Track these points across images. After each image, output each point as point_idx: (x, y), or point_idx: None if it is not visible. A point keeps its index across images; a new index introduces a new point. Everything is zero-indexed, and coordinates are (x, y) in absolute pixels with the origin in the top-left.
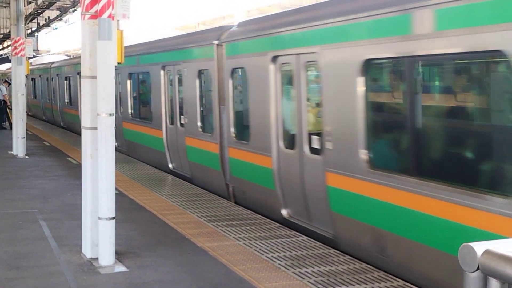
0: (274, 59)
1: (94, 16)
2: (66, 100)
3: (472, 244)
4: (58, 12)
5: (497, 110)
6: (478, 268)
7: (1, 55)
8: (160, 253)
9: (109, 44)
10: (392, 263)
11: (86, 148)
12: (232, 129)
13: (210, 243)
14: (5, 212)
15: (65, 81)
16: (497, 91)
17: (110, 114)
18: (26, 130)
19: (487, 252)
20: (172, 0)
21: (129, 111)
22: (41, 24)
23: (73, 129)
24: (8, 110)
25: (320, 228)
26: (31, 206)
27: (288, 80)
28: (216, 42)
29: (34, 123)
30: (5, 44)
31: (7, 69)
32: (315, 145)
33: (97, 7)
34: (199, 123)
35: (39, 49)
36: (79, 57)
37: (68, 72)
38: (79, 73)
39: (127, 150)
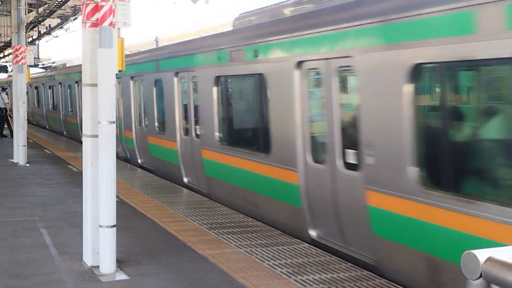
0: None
1: (95, 24)
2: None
3: (475, 251)
4: (59, 20)
5: None
6: (481, 276)
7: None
8: (161, 260)
9: (110, 52)
10: None
11: (86, 156)
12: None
13: (211, 250)
14: (5, 220)
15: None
16: None
17: (111, 122)
18: (27, 138)
19: (490, 260)
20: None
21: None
22: (42, 32)
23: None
24: (8, 118)
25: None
26: (32, 214)
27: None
28: None
29: (35, 132)
30: (6, 52)
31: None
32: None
33: (98, 15)
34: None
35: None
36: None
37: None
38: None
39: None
